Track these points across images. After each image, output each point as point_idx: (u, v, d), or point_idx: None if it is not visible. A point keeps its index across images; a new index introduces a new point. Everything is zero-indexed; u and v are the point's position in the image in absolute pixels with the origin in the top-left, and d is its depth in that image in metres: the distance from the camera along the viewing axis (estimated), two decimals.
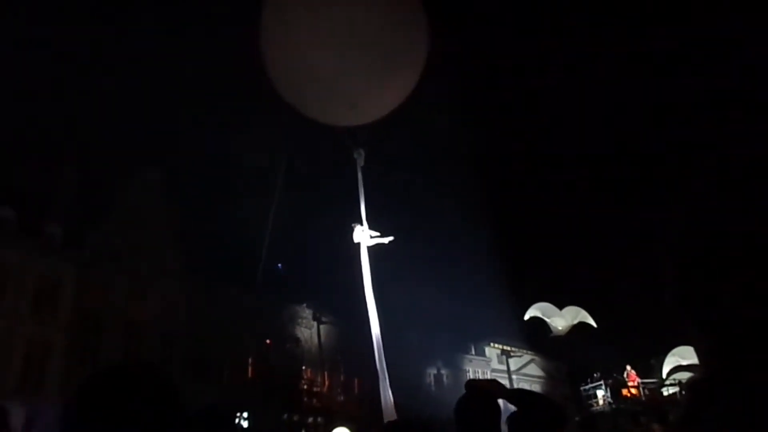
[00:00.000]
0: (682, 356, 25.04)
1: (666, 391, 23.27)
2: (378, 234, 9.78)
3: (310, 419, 31.69)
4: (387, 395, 9.00)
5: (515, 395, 2.78)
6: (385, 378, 9.08)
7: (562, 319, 32.16)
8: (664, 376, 24.75)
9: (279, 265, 35.97)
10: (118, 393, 1.12)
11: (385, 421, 9.17)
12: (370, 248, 9.72)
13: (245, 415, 27.52)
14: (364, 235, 9.69)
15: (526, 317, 32.26)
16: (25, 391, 22.62)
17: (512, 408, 2.63)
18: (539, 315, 31.91)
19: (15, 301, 24.60)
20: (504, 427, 2.60)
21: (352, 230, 9.79)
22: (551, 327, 32.10)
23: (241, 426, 26.54)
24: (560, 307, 32.89)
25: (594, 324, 32.30)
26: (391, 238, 9.80)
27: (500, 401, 2.62)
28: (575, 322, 32.12)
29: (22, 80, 34.30)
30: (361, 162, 9.71)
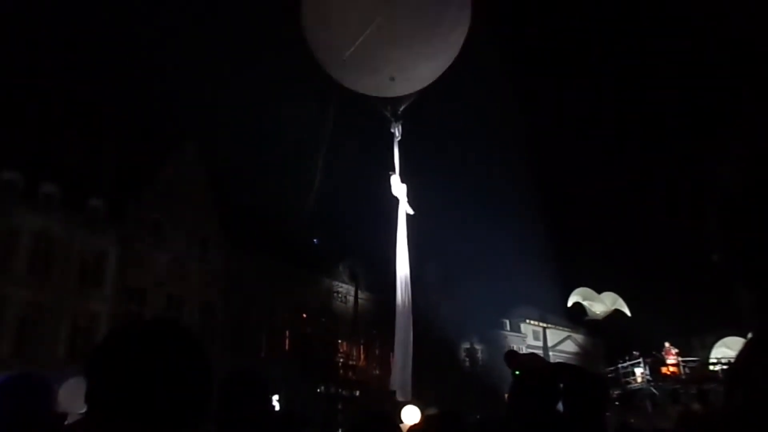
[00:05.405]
0: (729, 347, 24.49)
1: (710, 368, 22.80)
2: (407, 202, 9.66)
3: (346, 392, 32.12)
4: (403, 330, 8.87)
5: (558, 369, 2.75)
6: (407, 312, 8.95)
7: (601, 304, 31.92)
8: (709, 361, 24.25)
9: (315, 240, 36.29)
10: (139, 348, 1.07)
11: (397, 353, 8.93)
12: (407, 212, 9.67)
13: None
14: (401, 192, 9.54)
15: (569, 303, 32.10)
16: (73, 362, 23.44)
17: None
18: (580, 300, 31.70)
19: (62, 275, 25.45)
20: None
21: (388, 177, 9.60)
22: (588, 311, 31.87)
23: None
24: (599, 291, 32.59)
25: (628, 313, 31.98)
26: (411, 212, 9.67)
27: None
28: (612, 308, 31.87)
29: (63, 56, 35.03)
30: (398, 135, 9.48)
